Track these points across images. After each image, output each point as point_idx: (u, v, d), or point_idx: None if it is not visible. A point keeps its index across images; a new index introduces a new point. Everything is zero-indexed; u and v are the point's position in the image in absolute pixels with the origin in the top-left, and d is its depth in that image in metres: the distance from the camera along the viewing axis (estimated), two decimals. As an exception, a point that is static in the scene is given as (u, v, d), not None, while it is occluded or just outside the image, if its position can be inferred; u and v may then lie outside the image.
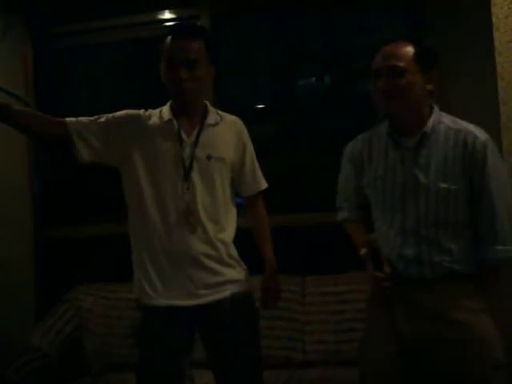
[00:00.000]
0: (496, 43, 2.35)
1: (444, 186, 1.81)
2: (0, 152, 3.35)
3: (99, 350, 3.06)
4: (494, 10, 2.36)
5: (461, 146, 1.82)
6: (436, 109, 1.90)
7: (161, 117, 2.07)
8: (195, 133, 2.04)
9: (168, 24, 3.41)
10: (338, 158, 3.32)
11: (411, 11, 3.34)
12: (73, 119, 2.01)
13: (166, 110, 2.09)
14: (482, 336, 1.81)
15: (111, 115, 2.07)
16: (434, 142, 1.85)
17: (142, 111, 2.11)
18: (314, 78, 3.73)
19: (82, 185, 3.55)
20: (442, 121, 1.87)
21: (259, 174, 2.23)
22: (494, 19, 2.36)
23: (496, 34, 2.35)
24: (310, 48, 3.72)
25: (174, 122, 2.04)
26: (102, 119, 2.05)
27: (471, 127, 1.85)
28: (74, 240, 3.46)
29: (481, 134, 1.83)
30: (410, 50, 1.83)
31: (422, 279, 1.85)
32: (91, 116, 2.06)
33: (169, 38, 2.00)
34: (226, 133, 2.10)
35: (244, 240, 2.15)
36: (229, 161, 2.08)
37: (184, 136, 2.03)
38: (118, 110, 2.11)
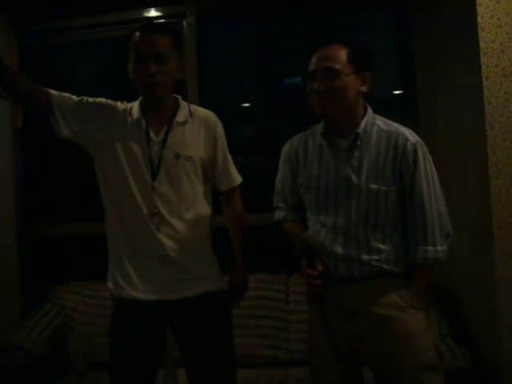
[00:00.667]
0: (481, 43, 2.36)
1: (375, 186, 1.85)
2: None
3: (83, 348, 3.04)
4: (480, 9, 2.37)
5: (392, 147, 1.85)
6: (369, 110, 1.93)
7: (130, 114, 2.05)
8: (163, 131, 2.03)
9: (155, 22, 3.40)
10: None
11: (397, 11, 3.35)
12: (56, 92, 1.99)
13: (135, 108, 2.07)
14: (411, 333, 1.84)
15: (92, 99, 2.05)
16: (367, 144, 1.88)
17: (119, 103, 2.09)
18: (300, 77, 3.73)
19: (66, 183, 3.54)
20: (375, 122, 1.90)
21: (232, 169, 2.19)
22: (479, 19, 2.37)
23: (481, 34, 2.37)
24: (295, 46, 3.72)
25: (143, 121, 2.02)
26: (83, 100, 2.03)
27: (403, 129, 1.88)
28: (58, 238, 3.44)
29: (412, 136, 1.87)
30: (344, 51, 1.85)
31: (351, 278, 1.88)
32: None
33: (136, 33, 1.98)
34: (196, 130, 2.07)
35: (221, 238, 2.15)
36: (198, 159, 2.04)
37: (152, 135, 2.02)
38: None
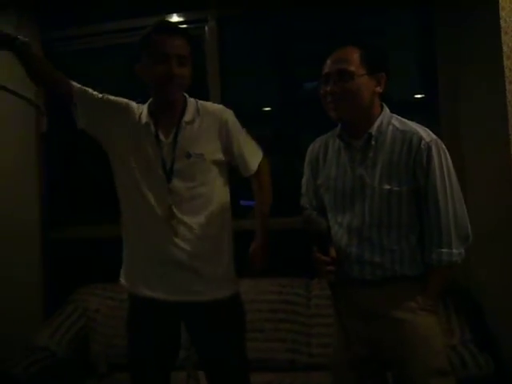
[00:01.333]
0: (504, 47, 2.35)
1: (387, 187, 1.83)
2: (8, 154, 3.38)
3: (105, 350, 3.06)
4: (503, 13, 2.36)
5: (406, 147, 1.83)
6: (386, 110, 1.92)
7: (140, 118, 2.08)
8: (173, 133, 2.04)
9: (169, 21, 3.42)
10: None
11: (419, 13, 3.33)
12: (78, 84, 2.05)
13: (144, 112, 2.09)
14: (421, 335, 1.82)
15: (112, 97, 2.10)
16: (381, 144, 1.87)
17: (136, 106, 2.12)
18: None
19: (90, 185, 3.57)
20: (391, 122, 1.89)
21: (248, 156, 2.17)
22: (502, 23, 2.35)
23: (504, 38, 2.35)
24: (316, 50, 3.71)
25: (152, 126, 2.05)
26: (103, 97, 2.08)
27: (419, 128, 1.85)
28: (81, 240, 3.47)
29: (427, 135, 1.84)
30: (357, 53, 1.85)
31: (363, 281, 1.87)
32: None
33: (154, 33, 1.99)
34: (205, 126, 2.07)
35: (236, 243, 2.16)
36: (209, 155, 2.04)
37: (162, 137, 2.04)
38: None
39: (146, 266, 2.04)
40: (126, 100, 2.13)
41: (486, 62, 2.54)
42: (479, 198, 2.69)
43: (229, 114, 2.13)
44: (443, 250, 1.82)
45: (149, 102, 2.12)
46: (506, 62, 2.34)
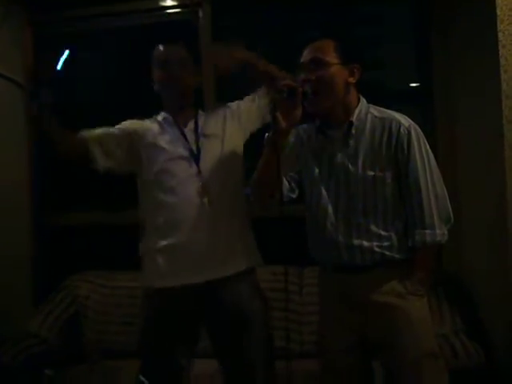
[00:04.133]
0: (500, 35, 2.33)
1: (371, 173, 1.87)
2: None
3: (97, 337, 3.06)
4: (499, 1, 2.34)
5: (386, 133, 1.88)
6: (363, 100, 1.97)
7: (155, 120, 2.23)
8: (192, 121, 2.18)
9: (170, 11, 3.40)
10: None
11: (416, 2, 3.31)
12: (92, 135, 2.17)
13: (159, 115, 2.25)
14: (411, 320, 1.84)
15: (121, 127, 2.22)
16: (361, 132, 1.91)
17: (138, 122, 2.25)
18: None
19: (82, 171, 3.53)
20: (370, 111, 1.94)
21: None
22: (498, 11, 2.34)
23: (500, 26, 2.33)
24: (313, 38, 3.68)
25: (169, 117, 2.20)
26: (116, 131, 2.20)
27: (396, 115, 1.91)
28: (73, 227, 3.45)
29: (405, 120, 1.90)
30: (330, 44, 1.91)
31: (354, 266, 1.90)
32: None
33: (159, 45, 2.20)
34: (219, 114, 2.23)
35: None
36: (228, 134, 2.17)
37: (182, 126, 2.17)
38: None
39: (172, 254, 2.05)
40: (127, 122, 2.24)
41: (482, 50, 2.52)
42: (471, 183, 2.70)
43: (231, 104, 2.29)
44: (426, 230, 1.86)
45: (162, 113, 2.26)
46: (501, 51, 2.32)
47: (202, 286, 2.02)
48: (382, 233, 1.88)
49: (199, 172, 2.07)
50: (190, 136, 2.15)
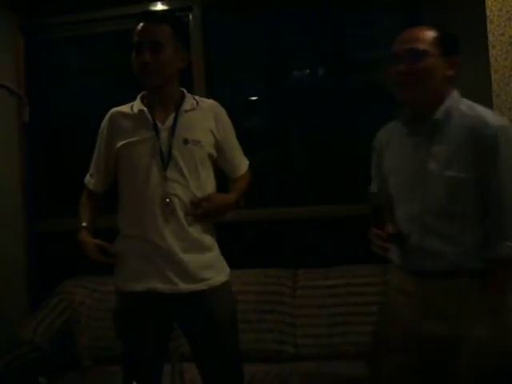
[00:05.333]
0: (490, 36, 2.34)
1: (452, 173, 1.74)
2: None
3: (90, 343, 3.05)
4: (488, 2, 2.35)
5: (471, 133, 1.73)
6: (454, 94, 1.83)
7: (132, 110, 2.10)
8: (171, 119, 2.05)
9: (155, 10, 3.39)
10: (330, 151, 3.31)
11: (407, 7, 3.32)
12: (88, 182, 2.21)
13: (136, 103, 2.11)
14: (485, 337, 1.71)
15: (98, 143, 2.18)
16: (447, 129, 1.78)
17: (113, 112, 2.15)
18: (308, 71, 3.71)
19: (74, 176, 3.52)
20: (459, 107, 1.80)
21: (239, 157, 2.23)
22: (487, 12, 2.35)
23: (490, 27, 2.34)
24: (303, 40, 3.70)
25: (145, 111, 2.06)
26: (96, 155, 2.19)
27: (486, 114, 1.76)
28: (66, 232, 3.41)
29: (495, 120, 1.73)
30: (430, 33, 1.78)
31: (425, 272, 1.80)
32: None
33: (136, 24, 2.03)
34: (203, 117, 2.11)
35: (222, 234, 2.15)
36: (206, 143, 2.07)
37: (159, 124, 2.05)
38: (110, 101, 2.19)
39: (141, 259, 2.03)
40: (103, 123, 2.16)
41: (472, 51, 2.52)
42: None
43: (224, 111, 2.18)
44: (507, 243, 1.70)
45: (140, 94, 2.14)
46: (491, 52, 2.34)
47: (169, 296, 2.01)
48: (458, 238, 1.75)
49: (166, 178, 2.01)
50: (164, 137, 2.03)
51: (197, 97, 2.18)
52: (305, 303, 2.95)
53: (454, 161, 1.75)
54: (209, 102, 2.17)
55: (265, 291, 2.98)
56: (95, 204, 2.20)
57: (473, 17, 2.47)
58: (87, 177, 2.23)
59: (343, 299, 2.89)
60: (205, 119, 2.10)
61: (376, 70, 3.45)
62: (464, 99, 1.83)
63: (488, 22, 2.34)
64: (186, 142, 2.03)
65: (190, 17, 3.33)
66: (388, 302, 1.99)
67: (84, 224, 2.11)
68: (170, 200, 1.99)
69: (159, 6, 3.39)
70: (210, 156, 2.10)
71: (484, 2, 2.35)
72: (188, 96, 2.14)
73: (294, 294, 3.00)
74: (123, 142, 2.07)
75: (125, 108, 2.13)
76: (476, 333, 1.71)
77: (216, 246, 2.13)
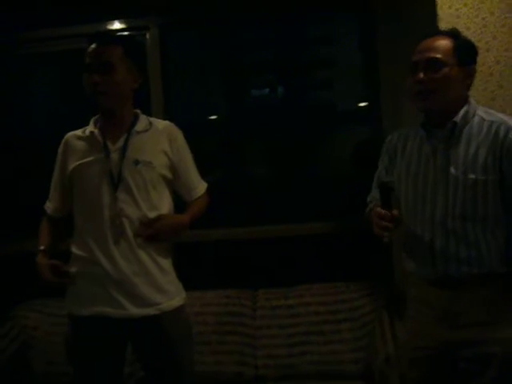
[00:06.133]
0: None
1: (472, 176, 1.76)
2: None
3: (46, 368, 2.95)
4: (442, 24, 2.43)
5: (492, 137, 1.77)
6: (471, 101, 1.87)
7: (84, 132, 2.10)
8: (122, 140, 2.05)
9: (118, 34, 3.37)
10: (290, 170, 3.32)
11: (363, 20, 3.36)
12: (49, 207, 2.20)
13: (89, 126, 2.11)
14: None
15: (55, 168, 2.18)
16: (466, 134, 1.81)
17: (68, 135, 2.15)
18: (268, 89, 3.74)
19: (27, 198, 3.46)
20: (477, 113, 1.84)
21: (196, 180, 2.21)
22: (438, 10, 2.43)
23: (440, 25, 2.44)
24: (263, 59, 3.72)
25: (96, 132, 2.05)
26: (53, 179, 2.18)
27: (506, 118, 1.80)
28: (20, 256, 3.34)
29: None
30: (448, 42, 1.82)
31: (449, 278, 1.80)
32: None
33: (88, 45, 2.04)
34: (156, 138, 2.09)
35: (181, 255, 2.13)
36: (158, 164, 2.05)
37: (109, 144, 2.04)
38: (69, 119, 2.28)
39: (91, 281, 2.00)
40: (60, 147, 2.16)
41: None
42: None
43: (180, 133, 2.16)
44: None
45: (94, 117, 2.14)
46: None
47: (120, 320, 1.98)
48: (481, 243, 1.76)
49: (116, 199, 1.99)
50: (115, 158, 2.02)
51: (152, 118, 2.17)
52: (265, 324, 2.92)
53: (474, 164, 1.77)
54: (163, 123, 2.16)
55: (225, 312, 2.95)
56: (54, 228, 2.18)
57: (426, 27, 2.53)
58: (47, 202, 2.21)
59: (303, 319, 2.87)
60: (158, 140, 2.09)
61: (333, 87, 3.51)
62: (480, 106, 1.88)
63: (438, 19, 2.43)
64: (136, 162, 2.01)
65: (148, 36, 3.32)
66: (410, 314, 1.98)
67: (41, 247, 2.09)
68: (119, 221, 1.97)
69: (116, 25, 3.36)
70: (164, 177, 2.07)
71: (436, 18, 2.43)
72: (142, 117, 2.14)
73: (254, 315, 2.97)
74: (75, 163, 2.06)
75: (79, 131, 2.13)
76: (506, 336, 1.72)
77: (171, 269, 2.10)
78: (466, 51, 1.84)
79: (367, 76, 3.38)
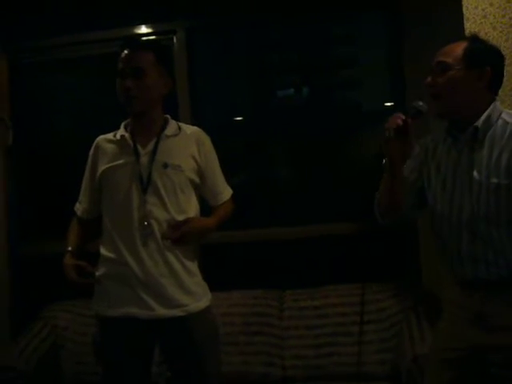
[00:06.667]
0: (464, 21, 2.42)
1: (495, 180, 1.74)
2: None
3: (75, 368, 3.00)
4: (468, 25, 2.41)
5: None
6: (495, 105, 1.83)
7: (115, 136, 2.13)
8: (152, 144, 2.08)
9: (145, 38, 3.40)
10: (315, 171, 3.31)
11: (389, 22, 3.35)
12: (82, 207, 2.22)
13: (120, 130, 2.14)
14: None
15: (86, 171, 2.21)
16: (489, 137, 1.79)
17: (99, 139, 2.18)
18: (293, 90, 3.74)
19: (58, 199, 3.51)
20: (502, 116, 1.81)
21: (222, 185, 2.23)
22: (467, 33, 2.40)
23: (466, 25, 2.41)
24: (288, 59, 3.73)
25: (127, 136, 2.09)
26: (84, 182, 2.22)
27: None
28: (50, 256, 3.39)
29: None
30: (462, 46, 1.81)
31: (478, 280, 1.79)
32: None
33: (120, 51, 2.08)
34: (185, 143, 2.13)
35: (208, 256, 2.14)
36: (186, 168, 2.08)
37: (140, 148, 2.08)
38: (96, 124, 2.17)
39: (118, 282, 2.03)
40: (90, 151, 2.19)
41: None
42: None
43: (208, 139, 2.20)
44: None
45: (125, 122, 2.18)
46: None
47: (147, 321, 1.99)
48: (508, 246, 1.75)
49: (145, 202, 2.02)
50: (145, 162, 2.05)
51: (180, 123, 2.21)
52: (292, 324, 2.93)
53: (497, 168, 1.75)
54: (192, 129, 2.20)
55: (252, 313, 2.96)
56: (83, 230, 2.22)
57: (453, 32, 2.52)
58: (77, 203, 2.25)
59: (330, 320, 2.88)
60: (187, 145, 2.12)
61: (359, 87, 3.50)
62: (506, 109, 1.85)
63: (464, 19, 2.41)
64: (165, 166, 2.04)
65: (174, 40, 3.35)
66: (444, 316, 1.97)
67: (69, 248, 2.13)
68: (148, 223, 2.00)
69: (143, 29, 3.40)
70: (192, 181, 2.10)
71: (463, 21, 2.41)
72: (171, 122, 2.17)
73: (281, 316, 2.98)
74: (106, 166, 2.09)
75: (110, 135, 2.17)
76: None
77: (197, 271, 2.12)
78: (478, 53, 1.81)
79: (393, 76, 3.36)
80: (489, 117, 1.81)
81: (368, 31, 3.50)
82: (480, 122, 1.80)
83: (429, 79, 1.83)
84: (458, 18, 2.45)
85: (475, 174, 1.79)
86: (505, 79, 2.04)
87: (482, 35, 2.30)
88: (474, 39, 1.86)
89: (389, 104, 3.47)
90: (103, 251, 2.09)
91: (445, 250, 1.90)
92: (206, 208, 2.22)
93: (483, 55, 1.83)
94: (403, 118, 1.79)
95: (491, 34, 2.37)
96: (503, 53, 1.91)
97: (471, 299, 1.81)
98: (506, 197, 1.74)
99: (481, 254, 1.78)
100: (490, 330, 1.76)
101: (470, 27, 2.37)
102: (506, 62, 1.93)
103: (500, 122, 1.80)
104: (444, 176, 1.89)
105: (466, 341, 1.81)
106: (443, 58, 1.81)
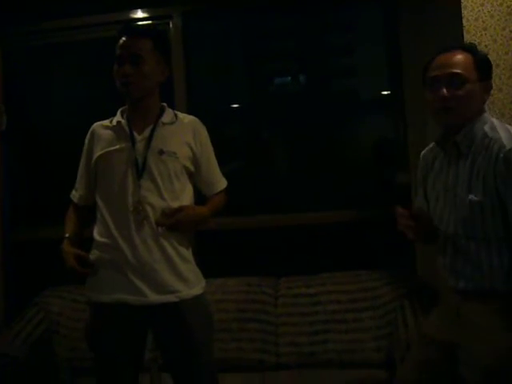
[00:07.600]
0: (465, 33, 2.38)
1: (472, 198, 1.73)
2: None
3: (69, 354, 2.98)
4: (465, 12, 2.40)
5: (488, 155, 1.71)
6: (483, 116, 1.80)
7: (111, 122, 2.14)
8: (148, 130, 2.08)
9: (141, 23, 3.38)
10: (312, 158, 3.31)
11: (384, 10, 3.34)
12: (80, 194, 2.22)
13: (116, 116, 2.15)
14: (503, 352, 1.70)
15: (82, 157, 2.21)
16: (473, 153, 1.77)
17: (95, 125, 2.18)
18: (290, 77, 3.73)
19: (51, 185, 3.50)
20: (483, 128, 1.77)
21: (216, 175, 2.24)
22: (464, 22, 2.39)
23: (467, 37, 2.39)
24: (284, 46, 3.72)
25: (123, 122, 2.10)
26: (80, 168, 2.21)
27: (503, 135, 1.72)
28: (44, 241, 3.38)
29: (509, 142, 1.68)
30: (468, 57, 1.78)
31: (457, 290, 1.82)
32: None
33: (118, 37, 2.07)
34: (181, 131, 2.13)
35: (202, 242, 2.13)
36: (182, 156, 2.08)
37: (136, 134, 2.07)
38: (89, 109, 2.14)
39: (111, 268, 2.02)
40: (86, 137, 2.19)
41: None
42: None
43: (204, 128, 2.20)
44: None
45: (122, 108, 2.17)
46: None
47: (139, 307, 1.99)
48: (486, 262, 1.73)
49: (139, 187, 2.01)
50: (140, 148, 2.05)
51: (177, 112, 2.20)
52: (286, 311, 2.93)
53: (475, 185, 1.74)
54: (189, 118, 2.20)
55: (246, 300, 2.96)
56: (80, 216, 2.22)
57: (450, 22, 2.50)
58: (73, 190, 2.25)
59: (324, 307, 2.88)
60: (183, 133, 2.12)
61: (356, 75, 3.49)
62: (494, 120, 1.81)
63: (465, 31, 2.38)
64: (161, 152, 2.04)
65: (171, 25, 3.32)
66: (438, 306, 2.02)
67: (66, 235, 2.13)
68: (142, 208, 2.00)
69: (139, 14, 3.38)
70: (187, 169, 2.10)
71: (460, 9, 2.39)
72: (168, 110, 2.17)
73: (275, 303, 2.98)
74: (101, 151, 2.09)
75: (106, 121, 2.17)
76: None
77: (191, 258, 2.11)
78: (484, 66, 1.81)
79: (390, 64, 3.35)
80: (470, 130, 1.78)
81: (365, 19, 3.49)
82: (460, 137, 1.79)
83: (444, 92, 1.76)
84: (455, 5, 2.43)
85: (459, 190, 1.80)
86: (505, 92, 2.03)
87: (482, 47, 2.31)
88: (475, 50, 1.83)
89: (386, 92, 3.47)
90: (96, 236, 2.08)
91: (439, 258, 1.93)
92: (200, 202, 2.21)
93: (488, 67, 1.83)
94: (406, 215, 1.83)
95: (491, 47, 2.35)
96: (503, 65, 1.89)
97: (453, 297, 1.85)
98: (480, 214, 1.73)
99: (460, 268, 1.80)
100: (463, 328, 1.80)
101: (470, 39, 2.35)
102: (506, 75, 1.90)
103: (480, 134, 1.77)
104: (437, 192, 1.91)
105: (447, 333, 1.85)
106: (458, 69, 1.76)
